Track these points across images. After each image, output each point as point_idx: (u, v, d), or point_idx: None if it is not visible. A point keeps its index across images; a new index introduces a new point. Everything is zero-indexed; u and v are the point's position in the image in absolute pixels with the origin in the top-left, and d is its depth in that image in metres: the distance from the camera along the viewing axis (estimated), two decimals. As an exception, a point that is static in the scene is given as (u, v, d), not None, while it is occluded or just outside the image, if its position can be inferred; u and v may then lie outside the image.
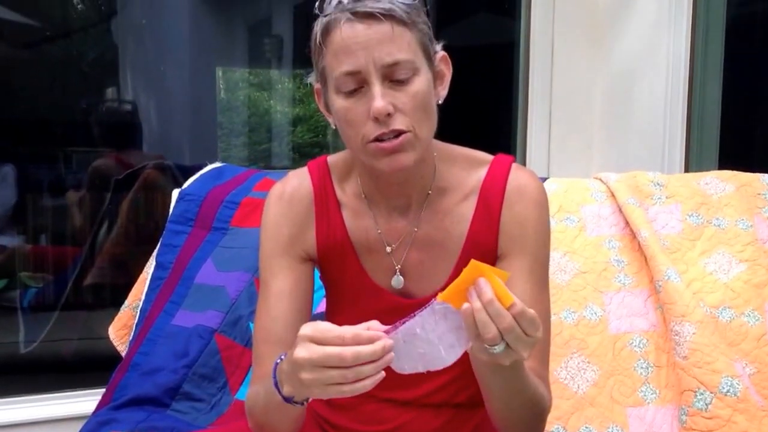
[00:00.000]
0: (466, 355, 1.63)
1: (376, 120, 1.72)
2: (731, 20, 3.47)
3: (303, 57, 4.90)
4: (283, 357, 1.63)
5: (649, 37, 3.58)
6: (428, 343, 1.55)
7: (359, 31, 1.70)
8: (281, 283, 1.91)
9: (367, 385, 1.48)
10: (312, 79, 1.87)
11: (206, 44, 5.02)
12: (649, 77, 3.56)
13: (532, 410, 1.82)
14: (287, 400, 1.62)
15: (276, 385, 1.63)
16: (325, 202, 1.96)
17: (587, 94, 3.89)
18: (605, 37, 3.83)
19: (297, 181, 1.99)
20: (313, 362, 1.47)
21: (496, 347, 1.52)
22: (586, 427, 2.48)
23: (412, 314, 1.54)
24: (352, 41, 1.70)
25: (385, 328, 1.51)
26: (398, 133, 1.73)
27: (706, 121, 3.48)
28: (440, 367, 1.57)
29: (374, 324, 1.51)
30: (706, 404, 2.38)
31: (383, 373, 1.49)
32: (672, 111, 3.48)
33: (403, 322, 1.53)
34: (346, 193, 1.97)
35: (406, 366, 1.55)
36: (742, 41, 3.68)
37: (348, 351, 1.45)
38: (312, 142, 5.32)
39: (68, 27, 4.65)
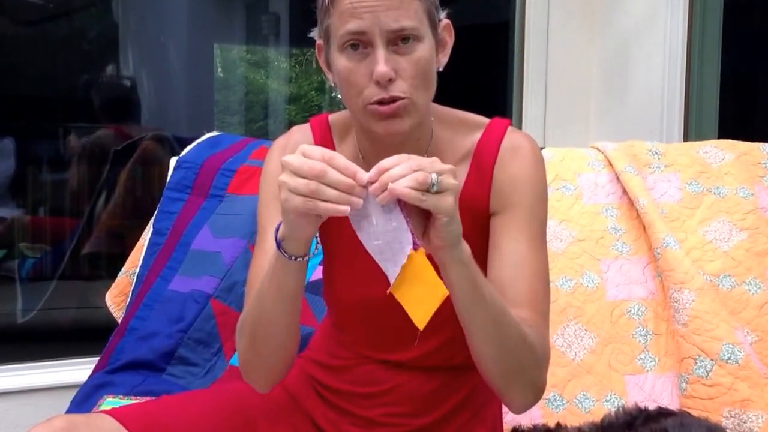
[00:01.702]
0: None
1: (378, 83, 1.69)
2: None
3: (299, 36, 4.84)
4: None
5: (647, 8, 3.52)
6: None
7: None
8: None
9: (330, 209, 1.51)
10: (315, 34, 1.83)
11: (204, 21, 4.97)
12: (647, 49, 3.52)
13: (521, 350, 1.72)
14: (279, 243, 1.63)
15: (276, 230, 1.64)
16: None
17: (583, 67, 3.85)
18: (602, 10, 3.77)
19: (300, 136, 1.95)
20: (292, 167, 1.51)
21: (432, 186, 1.50)
22: (584, 395, 2.43)
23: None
24: (359, 4, 1.67)
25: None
26: (397, 99, 1.70)
27: (704, 92, 3.42)
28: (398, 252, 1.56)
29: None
30: (706, 371, 2.34)
31: (348, 209, 1.51)
32: (670, 83, 3.44)
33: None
34: (345, 152, 1.91)
35: (365, 234, 1.57)
36: (740, 11, 3.62)
37: (318, 165, 1.50)
38: (306, 121, 5.28)
39: (70, 5, 4.59)
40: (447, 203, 1.50)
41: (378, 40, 1.67)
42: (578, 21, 3.82)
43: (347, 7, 1.67)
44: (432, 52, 1.74)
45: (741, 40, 3.58)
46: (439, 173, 1.49)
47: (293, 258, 1.62)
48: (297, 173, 1.50)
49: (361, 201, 1.51)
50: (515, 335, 1.69)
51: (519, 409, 1.82)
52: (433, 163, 1.50)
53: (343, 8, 1.68)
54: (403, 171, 1.48)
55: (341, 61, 1.72)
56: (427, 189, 1.48)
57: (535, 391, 1.78)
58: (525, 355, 1.72)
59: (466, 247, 1.59)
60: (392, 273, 1.56)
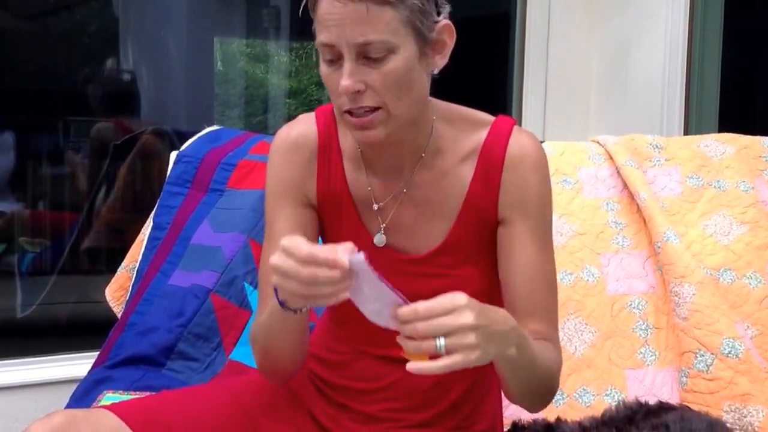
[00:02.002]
0: None
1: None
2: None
3: (299, 29, 4.83)
4: None
5: (648, 2, 3.51)
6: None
7: (336, 8, 1.65)
8: (284, 224, 1.88)
9: (331, 301, 1.53)
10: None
11: (204, 15, 4.96)
12: (647, 43, 3.50)
13: (544, 382, 1.79)
14: (281, 303, 1.64)
15: (276, 290, 1.63)
16: (328, 150, 1.91)
17: (584, 60, 3.84)
18: (603, 4, 3.77)
19: (304, 127, 1.94)
20: (279, 270, 1.52)
21: (439, 348, 1.48)
22: (584, 389, 2.43)
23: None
24: (328, 16, 1.66)
25: (352, 254, 1.50)
26: (369, 110, 1.69)
27: (705, 85, 3.41)
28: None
29: (348, 245, 1.51)
30: (707, 366, 2.34)
31: (347, 294, 1.52)
32: (670, 76, 3.42)
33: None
34: (347, 143, 1.92)
35: (369, 306, 1.55)
36: (741, 5, 3.62)
37: (305, 271, 1.48)
38: (309, 114, 5.29)
39: (70, -1, 4.58)
40: (460, 362, 1.48)
41: (345, 53, 1.66)
42: (579, 14, 3.81)
43: (321, 17, 1.67)
44: (410, 61, 1.70)
45: (741, 34, 3.56)
46: (450, 333, 1.47)
47: (298, 312, 1.65)
48: (289, 277, 1.50)
49: (352, 283, 1.50)
50: (546, 375, 1.75)
51: (536, 412, 1.88)
52: (444, 321, 1.47)
53: (318, 17, 1.68)
54: (409, 332, 1.48)
55: (321, 67, 1.72)
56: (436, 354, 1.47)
57: (551, 399, 1.85)
58: (550, 383, 1.80)
59: (510, 351, 1.58)
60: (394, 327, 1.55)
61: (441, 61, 1.78)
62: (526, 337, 1.64)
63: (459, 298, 1.49)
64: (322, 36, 1.67)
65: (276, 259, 1.51)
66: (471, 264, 1.83)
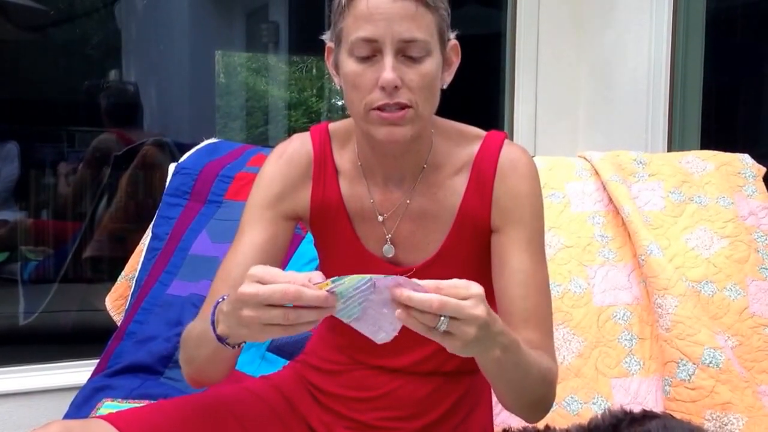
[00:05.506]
0: None
1: (383, 89, 1.69)
2: (712, 4, 3.43)
3: (298, 44, 4.83)
4: (225, 297, 1.59)
5: (632, 21, 3.53)
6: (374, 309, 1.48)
7: (385, 2, 1.67)
8: (257, 233, 1.88)
9: (306, 329, 1.46)
10: (326, 37, 1.83)
11: (206, 29, 4.97)
12: (633, 62, 3.52)
13: (540, 387, 1.76)
14: (220, 339, 1.59)
15: (213, 323, 1.60)
16: (323, 166, 1.93)
17: (572, 78, 3.85)
18: (589, 25, 3.78)
19: (299, 144, 1.96)
20: (258, 298, 1.42)
21: (440, 324, 1.45)
22: (572, 397, 2.44)
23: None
24: (375, 11, 1.68)
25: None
26: (401, 107, 1.71)
27: (687, 104, 3.43)
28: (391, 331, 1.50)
29: (315, 275, 1.46)
30: (689, 375, 2.35)
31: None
32: (654, 94, 3.44)
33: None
34: (344, 160, 1.93)
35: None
36: (722, 25, 3.65)
37: (292, 288, 1.40)
38: (306, 128, 5.30)
39: (73, 11, 4.60)
40: (452, 345, 1.48)
41: (388, 48, 1.68)
42: (566, 34, 3.83)
43: (363, 12, 1.68)
44: (438, 68, 1.75)
45: (722, 53, 3.58)
46: (457, 317, 1.44)
47: (235, 347, 1.61)
48: (268, 303, 1.42)
49: (335, 309, 1.44)
50: (537, 382, 1.72)
51: (533, 422, 1.86)
52: (461, 305, 1.44)
53: (358, 12, 1.69)
54: (421, 303, 1.43)
55: (349, 65, 1.73)
56: (434, 326, 1.45)
57: (548, 409, 1.83)
58: (544, 391, 1.77)
59: (493, 353, 1.56)
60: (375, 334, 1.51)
61: (448, 77, 1.82)
62: (515, 342, 1.62)
63: (476, 287, 1.48)
64: (363, 31, 1.68)
65: (250, 288, 1.44)
66: (465, 274, 1.81)
